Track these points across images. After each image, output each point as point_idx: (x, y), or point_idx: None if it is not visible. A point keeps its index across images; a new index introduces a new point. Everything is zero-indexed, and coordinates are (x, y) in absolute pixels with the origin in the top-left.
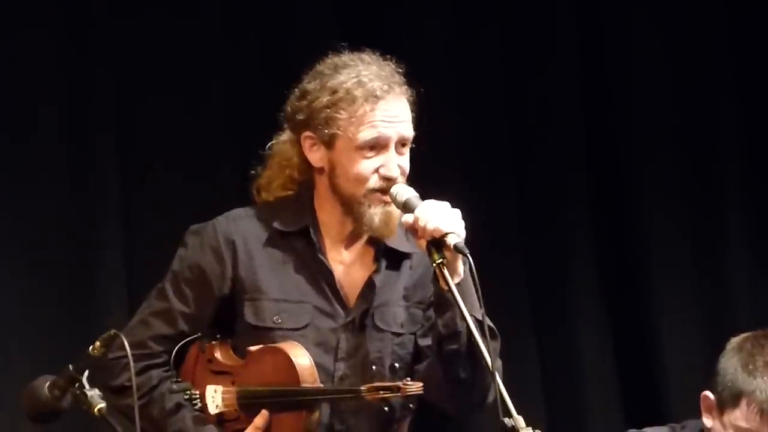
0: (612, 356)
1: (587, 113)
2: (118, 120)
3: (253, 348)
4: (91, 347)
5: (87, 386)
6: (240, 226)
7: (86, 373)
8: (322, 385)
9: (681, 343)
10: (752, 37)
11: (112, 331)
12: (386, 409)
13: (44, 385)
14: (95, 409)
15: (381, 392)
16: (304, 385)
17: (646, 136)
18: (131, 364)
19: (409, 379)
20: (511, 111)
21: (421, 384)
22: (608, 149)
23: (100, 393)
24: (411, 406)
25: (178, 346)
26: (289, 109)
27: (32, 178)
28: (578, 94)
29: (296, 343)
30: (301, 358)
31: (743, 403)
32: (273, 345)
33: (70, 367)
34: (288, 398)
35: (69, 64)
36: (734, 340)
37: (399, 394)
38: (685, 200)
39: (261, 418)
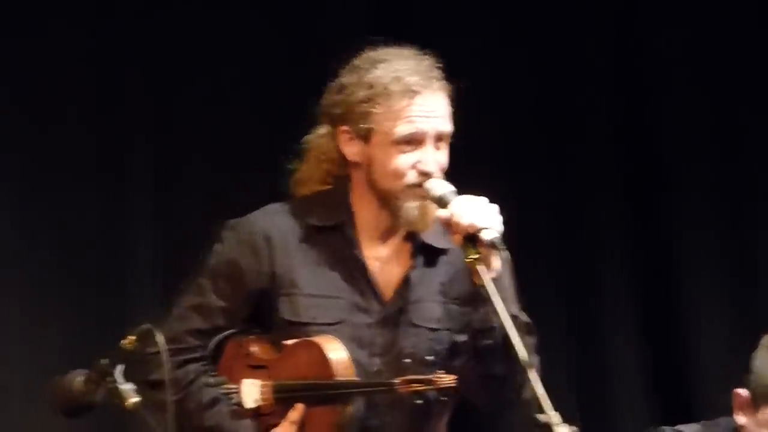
0: (644, 353)
1: (621, 112)
2: (150, 113)
3: (288, 342)
4: (124, 341)
5: (120, 380)
6: (276, 221)
7: (119, 367)
8: (356, 379)
9: (714, 340)
10: None
11: (146, 325)
12: (420, 402)
13: (77, 379)
14: (128, 403)
15: (414, 385)
16: (338, 378)
17: (680, 133)
18: (164, 358)
19: (442, 372)
20: (545, 110)
21: (454, 377)
22: (641, 147)
23: (133, 387)
24: (444, 399)
25: (216, 341)
26: (325, 103)
27: (63, 172)
28: (612, 91)
29: (332, 336)
30: (336, 351)
31: None
32: (308, 339)
33: (103, 361)
34: (322, 392)
35: (99, 59)
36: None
37: (432, 386)
38: (717, 198)
39: (296, 412)
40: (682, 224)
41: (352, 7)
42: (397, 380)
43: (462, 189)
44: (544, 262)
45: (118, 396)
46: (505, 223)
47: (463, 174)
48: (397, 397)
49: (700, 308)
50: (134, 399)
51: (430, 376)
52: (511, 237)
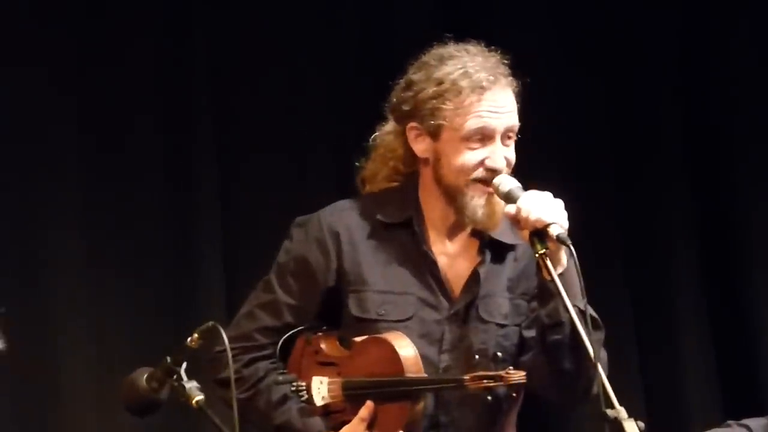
0: (712, 350)
1: (687, 114)
2: (215, 110)
3: (357, 339)
4: (189, 339)
5: (185, 378)
6: (344, 217)
7: (184, 365)
8: (426, 375)
9: None
10: None
11: (210, 323)
12: (489, 398)
13: (142, 377)
14: (193, 401)
15: (484, 381)
16: (408, 375)
17: (748, 136)
18: (229, 356)
19: (511, 368)
20: (612, 116)
21: (524, 373)
22: (709, 149)
23: (198, 385)
24: (514, 395)
25: (284, 338)
26: (394, 99)
27: (131, 175)
28: (678, 95)
29: (401, 333)
30: (405, 348)
31: None
32: (377, 335)
33: (168, 359)
34: (392, 388)
35: (164, 60)
36: None
37: (502, 383)
38: None
39: (366, 409)
40: (752, 226)
41: (423, 5)
42: (467, 377)
43: (527, 185)
44: (612, 262)
45: (183, 394)
46: (573, 221)
47: (529, 171)
48: (467, 394)
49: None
50: (199, 397)
51: (500, 372)
52: (578, 236)
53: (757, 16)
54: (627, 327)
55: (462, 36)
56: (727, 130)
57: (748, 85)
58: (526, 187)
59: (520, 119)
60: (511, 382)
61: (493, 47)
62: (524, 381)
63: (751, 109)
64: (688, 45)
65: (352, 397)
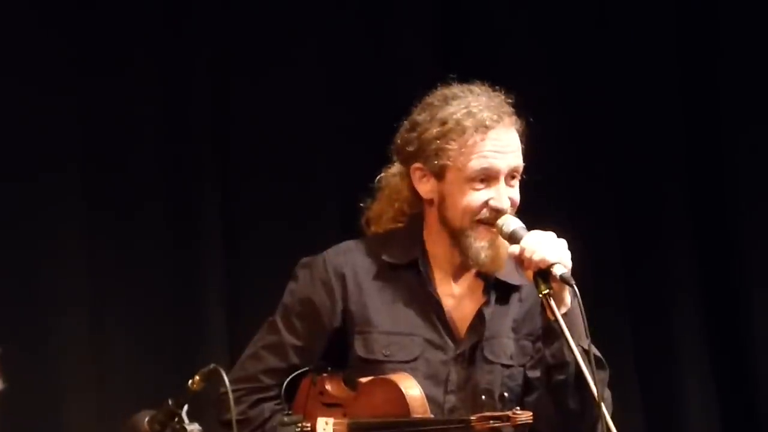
0: (713, 388)
1: (689, 133)
2: (218, 152)
3: (363, 379)
4: (190, 381)
5: (186, 420)
6: (349, 258)
7: (186, 408)
8: (432, 416)
9: None
10: None
11: (212, 365)
12: None
13: (144, 419)
14: None
15: (491, 422)
16: (414, 416)
17: (750, 156)
18: (231, 398)
19: (518, 408)
20: (611, 138)
21: (531, 413)
22: (711, 171)
23: (200, 428)
24: None
25: (289, 379)
26: (398, 141)
27: (133, 213)
28: (679, 112)
29: (407, 374)
30: (412, 389)
31: None
32: (383, 377)
33: (170, 401)
34: (398, 429)
35: (167, 86)
36: None
37: (509, 423)
38: None
39: None
40: (753, 248)
41: (423, 50)
42: (473, 417)
43: (531, 222)
44: (615, 296)
45: None
46: (576, 262)
47: (532, 207)
48: None
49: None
50: None
51: (507, 413)
52: (582, 276)
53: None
54: (628, 365)
55: (466, 77)
56: (731, 154)
57: (748, 110)
58: (530, 228)
59: (525, 160)
60: (518, 423)
61: (497, 87)
62: (531, 421)
63: (754, 129)
64: (688, 70)
65: None
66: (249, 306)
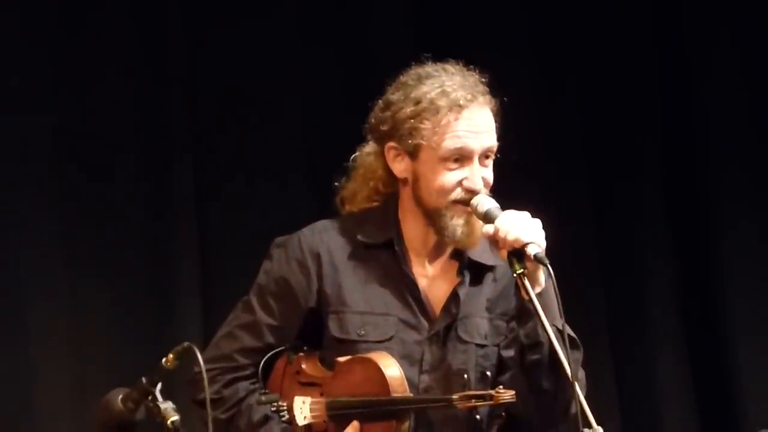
0: (688, 368)
1: (666, 137)
2: (193, 130)
3: (341, 359)
4: (164, 359)
5: (160, 398)
6: (325, 238)
7: (159, 386)
8: (411, 395)
9: (761, 370)
10: None
11: (186, 344)
12: (478, 417)
13: (118, 397)
14: (169, 422)
15: (473, 400)
16: (394, 395)
17: (724, 161)
18: (205, 377)
19: (501, 387)
20: (590, 138)
21: (514, 392)
22: (686, 168)
23: (173, 406)
24: (503, 414)
25: (266, 359)
26: (373, 120)
27: (108, 197)
28: (656, 117)
29: (385, 353)
30: (391, 368)
31: None
32: (362, 355)
33: (144, 379)
34: (378, 408)
35: (144, 81)
36: None
37: (491, 402)
38: (762, 215)
39: (352, 429)
40: (730, 254)
41: (398, 26)
42: (455, 396)
43: (506, 206)
44: (590, 282)
45: (158, 414)
46: (551, 242)
47: (509, 190)
48: (452, 414)
49: (748, 340)
50: (174, 417)
51: (491, 392)
52: (557, 256)
53: (738, 36)
54: (604, 346)
55: (440, 56)
56: (704, 151)
57: (727, 110)
58: (505, 208)
59: (499, 140)
60: (500, 401)
61: (471, 66)
62: (514, 400)
63: (728, 131)
64: (666, 67)
65: (336, 417)
66: (223, 284)
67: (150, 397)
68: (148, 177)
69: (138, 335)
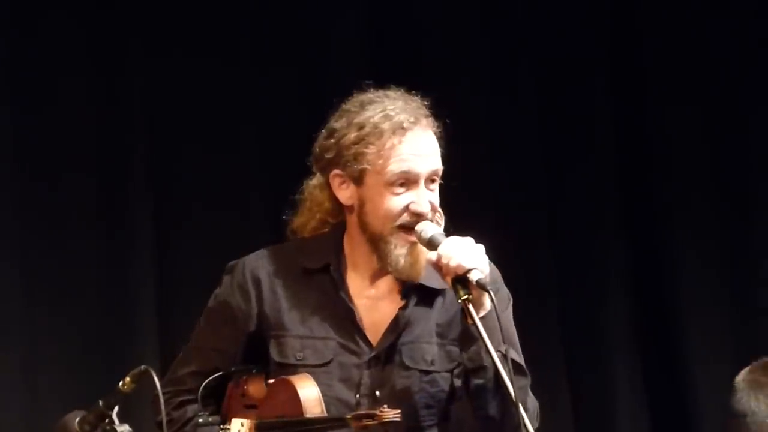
0: (643, 387)
1: (620, 151)
2: (150, 159)
3: (271, 381)
4: (121, 383)
5: (117, 422)
6: (266, 263)
7: (116, 409)
8: (318, 416)
9: (716, 389)
10: None
11: (142, 367)
12: None
13: (74, 420)
14: None
15: (364, 420)
16: (307, 415)
17: (679, 174)
18: (161, 399)
19: (386, 406)
20: (546, 160)
21: (398, 412)
22: (644, 196)
23: (129, 429)
24: None
25: (219, 381)
26: (317, 149)
27: (65, 215)
28: (611, 130)
29: (306, 374)
30: (306, 389)
31: None
32: (284, 377)
33: (100, 402)
34: (293, 429)
35: (101, 104)
36: (744, 379)
37: (375, 421)
38: (718, 238)
39: None
40: (684, 267)
41: (356, 55)
42: (349, 415)
43: (462, 228)
44: (547, 309)
45: None
46: (507, 268)
47: (465, 212)
48: None
49: (702, 353)
50: None
51: (376, 411)
52: (514, 281)
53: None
54: (559, 369)
55: (400, 82)
56: (661, 168)
57: (683, 129)
58: (460, 232)
59: (455, 164)
60: (384, 420)
61: (413, 91)
62: (398, 419)
63: (684, 148)
64: (622, 85)
65: None
66: (180, 307)
67: (107, 420)
68: (104, 200)
69: (95, 358)
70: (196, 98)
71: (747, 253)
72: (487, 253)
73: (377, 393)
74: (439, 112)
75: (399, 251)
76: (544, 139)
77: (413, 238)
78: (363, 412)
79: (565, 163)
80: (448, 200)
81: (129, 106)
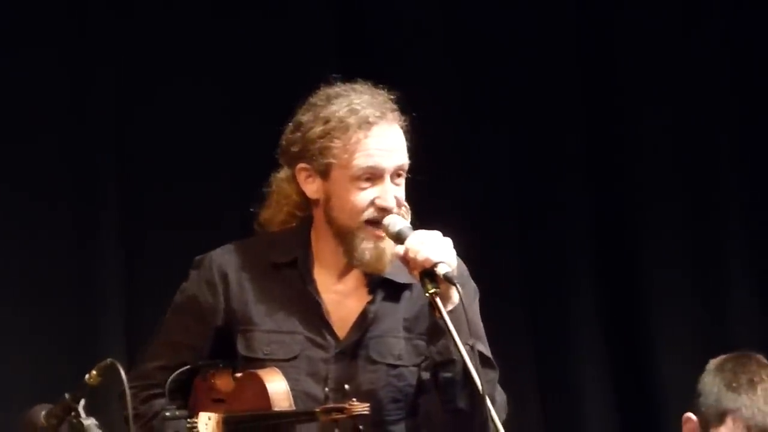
0: (611, 388)
1: (589, 149)
2: (118, 154)
3: (239, 375)
4: (87, 376)
5: (83, 415)
6: (234, 257)
7: (82, 402)
8: (286, 409)
9: (685, 391)
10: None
11: (109, 360)
12: (337, 431)
13: (41, 413)
14: None
15: (333, 414)
16: (275, 409)
17: (651, 187)
18: (128, 394)
19: (355, 399)
20: (516, 160)
21: (367, 405)
22: (609, 184)
23: (96, 422)
24: (360, 428)
25: (187, 375)
26: (283, 142)
27: (33, 212)
28: (581, 132)
29: (275, 368)
30: (274, 383)
31: (729, 421)
32: (252, 371)
33: (67, 395)
34: (260, 423)
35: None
36: (714, 362)
37: (344, 415)
38: (684, 233)
39: None
40: (651, 260)
41: (320, 57)
42: (318, 409)
43: (429, 227)
44: (515, 302)
45: (80, 431)
46: (476, 264)
47: (433, 214)
48: (322, 426)
49: (668, 347)
50: None
51: (345, 404)
52: (482, 278)
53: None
54: (530, 370)
55: (364, 77)
56: (631, 177)
57: (653, 135)
58: (421, 225)
59: (425, 161)
60: (353, 413)
61: (381, 85)
62: (367, 412)
63: (654, 161)
64: (593, 96)
65: None
66: (147, 300)
67: (73, 414)
68: (70, 196)
69: (61, 351)
70: (163, 93)
71: (717, 254)
72: (455, 248)
73: (346, 387)
74: (407, 109)
75: (366, 245)
76: (513, 144)
77: (381, 233)
78: (332, 405)
79: (534, 163)
80: (416, 202)
81: (96, 105)
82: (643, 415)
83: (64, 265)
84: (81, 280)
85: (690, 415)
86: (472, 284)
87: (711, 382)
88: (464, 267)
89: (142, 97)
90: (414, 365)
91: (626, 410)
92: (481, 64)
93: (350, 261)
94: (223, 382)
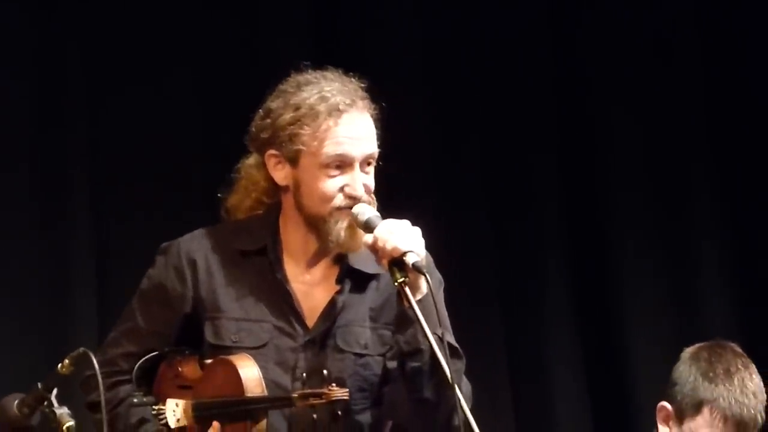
0: (584, 382)
1: (562, 153)
2: (89, 136)
3: (208, 361)
4: (60, 365)
5: (56, 404)
6: (202, 244)
7: (55, 391)
8: (261, 395)
9: (654, 365)
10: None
11: (81, 349)
12: (315, 416)
13: (13, 403)
14: (64, 427)
15: (310, 399)
16: (248, 395)
17: (619, 172)
18: (100, 381)
19: (334, 385)
20: (480, 121)
21: (347, 391)
22: (582, 184)
23: (68, 411)
24: (339, 413)
25: (143, 362)
26: (253, 129)
27: (2, 198)
28: (554, 131)
29: (246, 354)
30: (248, 369)
31: (705, 411)
32: (224, 357)
33: (39, 385)
34: (233, 409)
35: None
36: (688, 350)
37: (323, 400)
38: (656, 230)
39: (212, 430)
40: (623, 256)
41: (294, 51)
42: (295, 394)
43: (397, 214)
44: (487, 298)
45: (53, 420)
46: (448, 256)
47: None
48: (298, 412)
49: (640, 338)
50: (70, 423)
51: (323, 390)
52: (454, 272)
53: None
54: (502, 370)
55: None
56: (601, 168)
57: (623, 126)
58: (393, 215)
59: (398, 151)
60: (332, 399)
61: (351, 73)
62: (346, 398)
63: (625, 160)
64: (566, 100)
65: (200, 418)
66: (120, 290)
67: (45, 403)
68: (41, 181)
69: (33, 341)
70: (135, 74)
71: (688, 244)
72: (427, 247)
73: (324, 373)
74: (378, 99)
75: (340, 225)
76: (484, 137)
77: (350, 219)
78: (309, 390)
79: (505, 153)
80: (389, 195)
81: (67, 84)
82: (615, 403)
83: (34, 254)
84: (52, 269)
85: (665, 404)
86: (437, 274)
87: (687, 371)
88: (429, 257)
89: (113, 88)
90: (379, 355)
91: (598, 398)
92: (454, 60)
93: (325, 245)
94: (190, 369)
